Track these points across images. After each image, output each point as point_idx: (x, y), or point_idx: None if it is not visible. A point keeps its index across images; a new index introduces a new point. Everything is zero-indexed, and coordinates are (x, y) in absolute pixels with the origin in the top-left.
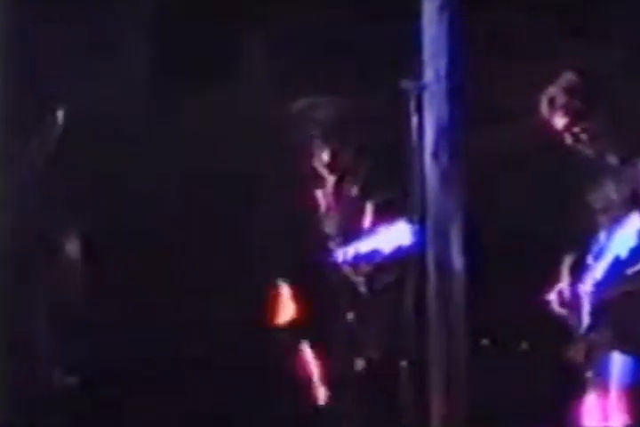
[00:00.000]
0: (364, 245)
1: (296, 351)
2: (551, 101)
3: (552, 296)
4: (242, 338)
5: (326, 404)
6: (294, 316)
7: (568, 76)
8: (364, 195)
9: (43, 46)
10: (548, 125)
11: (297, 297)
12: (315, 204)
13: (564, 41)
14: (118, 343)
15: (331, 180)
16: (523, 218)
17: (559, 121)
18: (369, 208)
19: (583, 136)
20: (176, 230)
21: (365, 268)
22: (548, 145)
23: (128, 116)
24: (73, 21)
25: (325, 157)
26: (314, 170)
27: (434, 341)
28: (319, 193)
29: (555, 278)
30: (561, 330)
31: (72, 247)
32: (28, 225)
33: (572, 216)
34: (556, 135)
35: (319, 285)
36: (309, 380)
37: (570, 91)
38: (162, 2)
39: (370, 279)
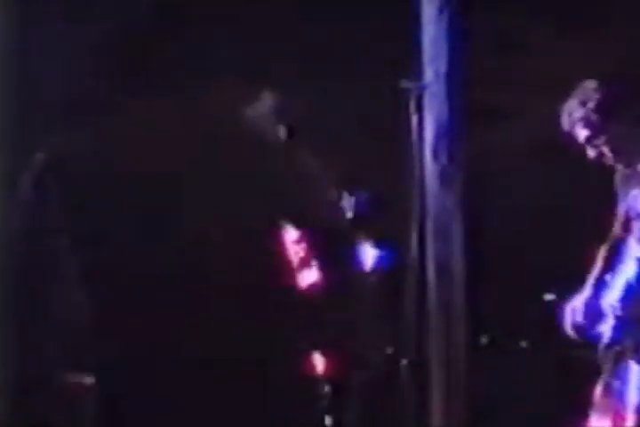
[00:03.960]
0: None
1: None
2: (569, 114)
3: (571, 306)
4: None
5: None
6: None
7: (584, 88)
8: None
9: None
10: (569, 137)
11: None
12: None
13: (565, 41)
14: (121, 342)
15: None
16: (523, 218)
17: (580, 133)
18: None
19: (605, 148)
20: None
21: None
22: (547, 145)
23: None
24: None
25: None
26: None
27: (434, 341)
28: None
29: (556, 278)
30: (560, 329)
31: (72, 251)
32: (29, 229)
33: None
34: (579, 148)
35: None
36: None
37: (586, 103)
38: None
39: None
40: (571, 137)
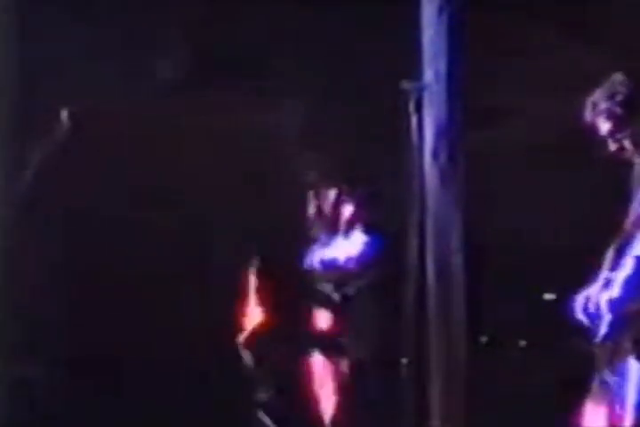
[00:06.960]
0: (327, 253)
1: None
2: (593, 106)
3: (577, 301)
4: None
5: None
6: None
7: (612, 81)
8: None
9: (47, 46)
10: (590, 130)
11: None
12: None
13: (564, 41)
14: (90, 341)
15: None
16: (522, 218)
17: (603, 126)
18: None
19: (627, 142)
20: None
21: (332, 275)
22: (547, 144)
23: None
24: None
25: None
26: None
27: (434, 341)
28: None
29: (555, 278)
30: (559, 329)
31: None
32: (22, 227)
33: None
34: (599, 141)
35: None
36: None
37: (613, 96)
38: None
39: (337, 286)
40: (590, 130)
